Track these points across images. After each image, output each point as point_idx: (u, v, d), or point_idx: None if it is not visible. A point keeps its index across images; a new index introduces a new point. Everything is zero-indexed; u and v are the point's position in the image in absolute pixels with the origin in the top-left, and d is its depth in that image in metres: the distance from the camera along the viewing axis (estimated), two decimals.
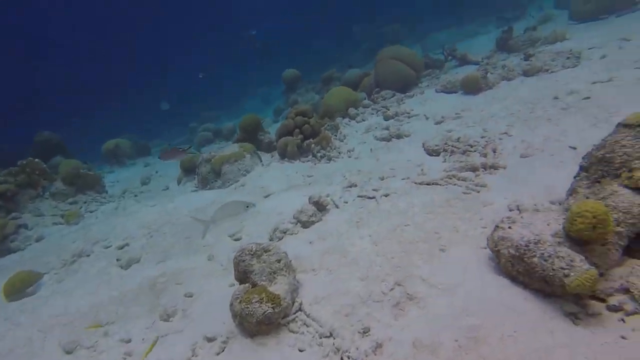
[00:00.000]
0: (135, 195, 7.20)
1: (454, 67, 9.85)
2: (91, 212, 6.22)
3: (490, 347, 1.98)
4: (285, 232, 3.52)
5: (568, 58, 6.50)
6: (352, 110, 7.50)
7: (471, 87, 6.85)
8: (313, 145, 6.11)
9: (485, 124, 5.25)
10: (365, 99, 8.34)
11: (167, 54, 34.73)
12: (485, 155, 4.42)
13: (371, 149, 5.91)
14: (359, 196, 4.07)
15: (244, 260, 2.68)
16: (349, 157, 5.98)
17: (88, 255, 4.38)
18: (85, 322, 3.08)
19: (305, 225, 3.58)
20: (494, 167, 4.04)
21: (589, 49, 6.67)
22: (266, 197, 4.71)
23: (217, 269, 3.44)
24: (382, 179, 4.58)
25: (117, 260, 4.00)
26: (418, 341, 2.14)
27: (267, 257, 2.68)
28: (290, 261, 2.76)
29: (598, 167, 2.38)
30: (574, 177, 2.59)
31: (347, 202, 4.01)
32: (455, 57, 10.02)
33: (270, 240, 3.53)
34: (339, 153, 6.16)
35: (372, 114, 7.53)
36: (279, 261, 2.69)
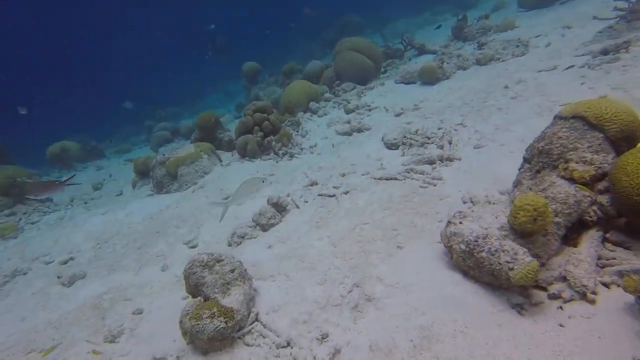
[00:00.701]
0: (86, 203, 6.72)
1: (414, 57, 9.97)
2: (32, 223, 5.73)
3: (442, 345, 2.00)
4: (243, 237, 3.40)
5: (517, 46, 6.74)
6: (313, 105, 7.39)
7: (429, 78, 6.95)
8: (274, 142, 5.95)
9: (442, 115, 5.35)
10: (327, 92, 8.25)
11: (112, 46, 32.46)
12: (442, 147, 4.50)
13: (333, 144, 5.85)
14: (319, 195, 4.00)
15: (194, 273, 2.54)
16: (312, 153, 5.90)
17: (25, 274, 4.01)
18: (16, 353, 2.80)
19: (265, 228, 3.47)
20: (450, 159, 4.11)
21: (536, 37, 6.96)
22: (226, 199, 4.53)
23: (171, 280, 3.26)
24: (343, 175, 4.55)
25: (59, 277, 3.69)
26: (375, 344, 2.12)
27: (219, 267, 2.56)
28: (246, 270, 2.65)
29: (539, 159, 2.45)
30: (519, 169, 2.66)
31: (307, 202, 3.93)
32: (414, 47, 10.13)
33: (229, 245, 3.39)
34: (301, 149, 6.06)
35: (334, 107, 7.47)
36: (232, 271, 2.57)
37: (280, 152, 5.92)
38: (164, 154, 5.45)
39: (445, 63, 7.27)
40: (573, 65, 4.94)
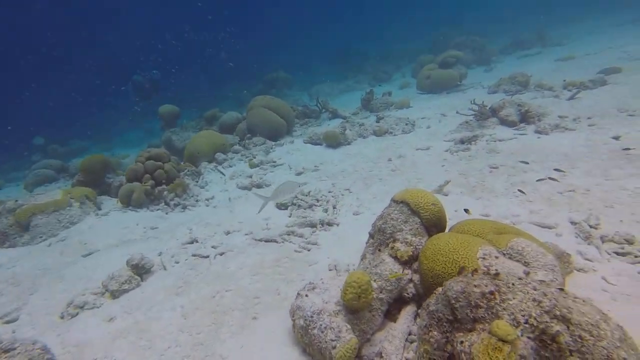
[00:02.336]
0: None
1: (328, 119, 10.82)
2: None
3: None
4: (82, 307, 2.98)
5: (406, 124, 7.78)
6: (220, 156, 7.35)
7: (332, 141, 7.52)
8: (166, 192, 5.66)
9: (336, 179, 5.74)
10: (237, 143, 8.34)
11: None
12: (327, 211, 4.76)
13: (230, 198, 5.79)
14: (193, 255, 3.82)
15: None
16: (207, 205, 5.73)
17: None
18: None
19: (116, 294, 3.11)
20: (330, 224, 4.35)
21: (422, 118, 8.15)
22: (86, 255, 4.03)
23: None
24: (228, 233, 4.46)
25: None
26: None
27: None
28: (52, 357, 2.28)
29: (378, 236, 2.73)
30: (366, 243, 2.91)
31: (178, 262, 3.71)
32: (328, 110, 11.03)
33: (61, 318, 2.93)
34: (197, 201, 5.85)
35: (241, 160, 7.53)
36: None
37: (172, 202, 5.63)
38: (16, 200, 4.70)
39: (347, 130, 8.00)
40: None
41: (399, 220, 2.61)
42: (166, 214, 5.48)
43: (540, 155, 4.54)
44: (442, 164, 5.19)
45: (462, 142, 5.74)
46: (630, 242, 2.57)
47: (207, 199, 5.88)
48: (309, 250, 3.80)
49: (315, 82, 20.85)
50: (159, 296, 3.06)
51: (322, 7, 37.66)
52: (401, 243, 2.52)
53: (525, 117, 5.95)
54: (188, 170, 6.46)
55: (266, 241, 4.10)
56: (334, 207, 4.79)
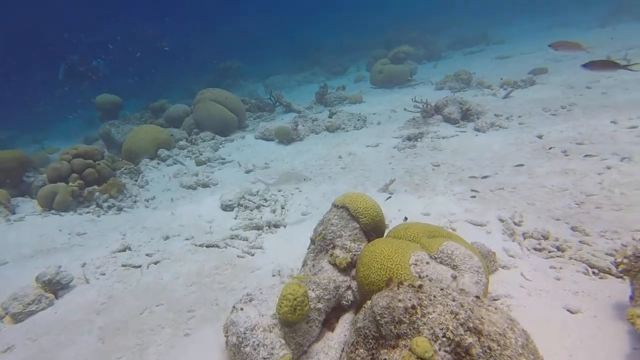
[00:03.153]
0: None
1: (282, 113, 10.59)
2: None
3: None
4: None
5: (358, 120, 7.82)
6: (163, 152, 6.87)
7: (283, 137, 7.35)
8: (98, 193, 5.16)
9: (261, 178, 5.60)
10: (185, 139, 7.86)
11: None
12: (275, 212, 4.63)
13: (172, 199, 5.43)
14: (123, 265, 3.50)
15: None
16: (147, 206, 5.32)
17: None
18: None
19: (19, 317, 2.72)
20: (277, 226, 4.23)
21: (373, 114, 8.25)
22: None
23: None
24: (167, 238, 4.17)
25: None
26: None
27: None
28: None
29: (319, 242, 2.66)
30: (307, 248, 2.84)
31: (104, 274, 3.37)
32: (282, 104, 10.79)
33: None
34: (135, 202, 5.42)
35: (188, 156, 7.10)
36: None
37: (106, 204, 5.15)
38: None
39: (300, 125, 7.86)
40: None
41: (339, 226, 2.56)
42: (98, 217, 5.00)
43: (476, 153, 4.77)
44: (389, 161, 5.27)
45: (409, 139, 5.88)
46: (545, 238, 2.78)
47: (147, 200, 5.47)
48: (252, 255, 3.65)
49: (271, 73, 20.36)
50: (75, 316, 2.75)
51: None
52: (340, 249, 2.47)
53: (466, 115, 6.23)
54: (125, 169, 5.95)
55: (207, 246, 3.88)
56: (283, 208, 4.66)
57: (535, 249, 2.70)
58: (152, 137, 6.71)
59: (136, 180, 5.99)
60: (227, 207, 4.76)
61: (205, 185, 5.75)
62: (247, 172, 6.13)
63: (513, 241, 2.87)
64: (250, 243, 3.88)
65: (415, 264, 2.02)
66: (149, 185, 5.99)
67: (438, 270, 2.01)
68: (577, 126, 4.85)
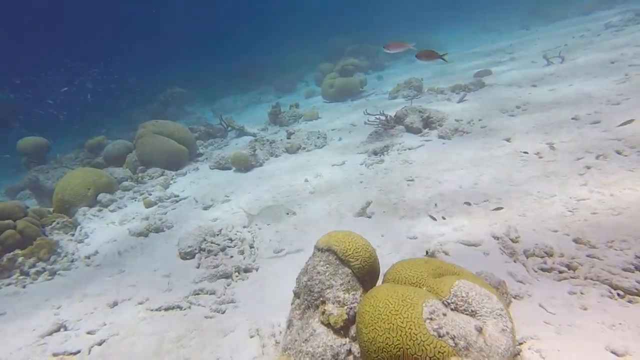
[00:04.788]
0: None
1: (235, 137, 10.02)
2: None
3: None
4: None
5: (318, 138, 7.51)
6: (104, 197, 6.00)
7: (241, 165, 6.82)
8: (22, 258, 4.26)
9: (251, 210, 5.08)
10: (129, 178, 7.02)
11: None
12: (243, 253, 4.08)
13: (119, 252, 4.66)
14: (54, 354, 2.76)
15: None
16: (88, 265, 4.50)
17: None
18: None
19: None
20: (247, 270, 3.69)
21: (332, 130, 8.01)
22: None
23: None
24: (114, 305, 3.46)
25: None
26: None
27: None
28: None
29: (304, 296, 2.22)
30: (291, 304, 2.38)
31: None
32: (234, 128, 10.23)
33: None
34: (72, 262, 4.56)
35: (134, 198, 6.29)
36: None
37: (34, 270, 4.26)
38: None
39: (258, 149, 7.39)
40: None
41: (327, 274, 2.14)
42: (23, 287, 4.10)
43: (449, 163, 4.64)
44: (360, 180, 4.97)
45: (375, 153, 5.66)
46: (549, 255, 2.57)
47: (87, 257, 4.64)
48: (223, 313, 3.09)
49: (217, 97, 19.63)
50: None
51: (213, 22, 36.31)
52: (333, 304, 2.05)
53: (428, 123, 6.19)
54: (58, 223, 5.06)
55: (167, 309, 3.25)
56: (251, 247, 4.14)
57: (542, 270, 2.47)
58: (89, 181, 5.84)
59: (73, 235, 5.11)
60: (186, 255, 4.13)
61: (158, 230, 5.04)
62: (205, 208, 5.51)
63: (515, 262, 2.63)
64: (219, 297, 3.32)
65: (431, 319, 1.65)
66: (89, 238, 5.13)
67: (458, 322, 1.66)
68: (541, 126, 4.93)
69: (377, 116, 6.52)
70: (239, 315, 3.02)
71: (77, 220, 5.46)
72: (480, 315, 1.76)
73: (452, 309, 1.78)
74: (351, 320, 2.02)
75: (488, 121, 5.77)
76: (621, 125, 4.32)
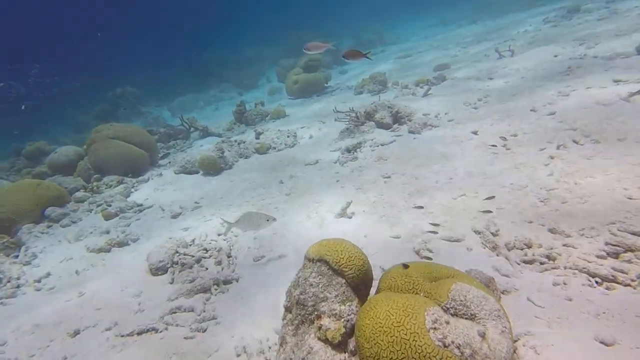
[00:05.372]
0: None
1: (199, 138, 9.56)
2: None
3: None
4: None
5: (288, 137, 7.35)
6: (53, 211, 5.43)
7: (210, 168, 6.49)
8: None
9: (224, 215, 4.83)
10: (83, 188, 6.42)
11: None
12: (220, 263, 3.86)
13: (77, 271, 4.23)
14: None
15: None
16: (38, 290, 4.04)
17: None
18: None
19: None
20: (227, 282, 3.49)
21: (301, 128, 7.86)
22: None
23: None
24: (76, 333, 3.12)
25: None
26: None
27: None
28: None
29: (297, 310, 2.10)
30: (282, 319, 2.25)
31: None
32: (197, 129, 9.75)
33: None
34: (18, 287, 4.07)
35: (90, 211, 5.77)
36: None
37: None
38: None
39: (226, 151, 7.08)
40: None
41: (320, 286, 2.04)
42: None
43: (422, 158, 4.70)
44: (336, 179, 4.90)
45: (348, 150, 5.62)
46: (529, 246, 2.66)
47: (37, 280, 4.16)
48: (204, 332, 2.89)
49: (175, 96, 18.64)
50: None
51: (165, 16, 34.36)
52: (329, 317, 1.95)
53: (397, 118, 6.25)
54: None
55: (140, 333, 2.98)
56: (229, 256, 3.93)
57: (525, 262, 2.55)
58: (32, 194, 5.24)
59: (16, 257, 4.57)
60: (158, 270, 3.83)
61: (122, 244, 4.65)
62: (174, 216, 5.17)
63: (498, 255, 2.69)
64: (199, 315, 3.10)
65: (435, 328, 1.61)
66: (38, 259, 4.61)
67: (461, 329, 1.64)
68: (504, 118, 5.14)
69: (347, 112, 6.48)
70: (223, 332, 2.84)
71: (20, 239, 4.89)
72: (480, 318, 1.75)
73: (452, 314, 1.76)
74: (349, 333, 1.94)
75: (454, 114, 5.94)
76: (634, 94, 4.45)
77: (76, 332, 3.12)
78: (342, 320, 1.95)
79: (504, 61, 8.52)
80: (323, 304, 2.01)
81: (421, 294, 1.85)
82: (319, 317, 1.98)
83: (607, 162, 3.52)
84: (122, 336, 2.96)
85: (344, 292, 2.03)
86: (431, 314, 1.67)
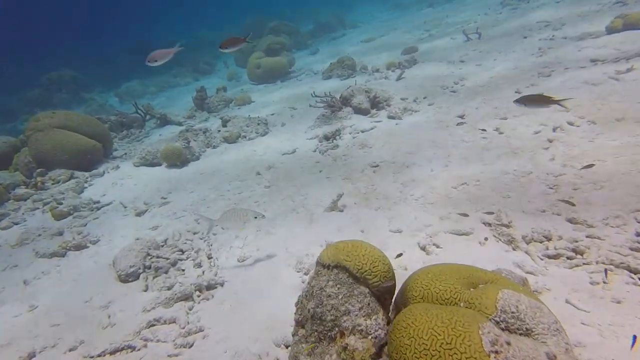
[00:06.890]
0: None
1: (157, 127, 8.73)
2: None
3: None
4: None
5: (259, 124, 6.87)
6: None
7: (175, 159, 5.91)
8: None
9: (199, 212, 4.39)
10: (23, 184, 5.55)
11: None
12: (200, 265, 3.48)
13: (25, 281, 3.63)
14: None
15: None
16: None
17: None
18: None
19: None
20: (211, 287, 3.14)
21: (271, 114, 7.43)
22: None
23: None
24: (30, 357, 2.64)
25: None
26: None
27: None
28: None
29: (313, 326, 1.85)
30: (292, 335, 2.00)
31: None
32: (154, 116, 8.88)
33: None
34: None
35: (37, 209, 5.01)
36: None
37: None
38: None
39: (192, 141, 6.49)
40: None
41: (340, 297, 1.80)
42: None
43: (411, 145, 4.56)
44: (318, 169, 4.64)
45: (326, 138, 5.35)
46: (548, 239, 2.53)
47: None
48: (191, 347, 2.56)
49: (122, 80, 16.91)
50: None
51: None
52: (354, 335, 1.73)
53: (375, 103, 6.08)
54: None
55: (113, 352, 2.58)
56: (210, 257, 3.56)
57: (548, 257, 2.40)
58: None
59: None
60: (128, 277, 3.37)
61: (79, 247, 4.08)
62: (139, 214, 4.63)
63: (515, 250, 2.56)
64: (182, 327, 2.75)
65: (496, 352, 1.40)
66: None
67: (526, 351, 1.44)
68: (487, 100, 5.12)
69: (325, 97, 6.18)
70: (213, 346, 2.52)
71: None
72: (537, 334, 1.57)
73: (502, 329, 1.58)
74: (378, 352, 1.73)
75: (433, 98, 5.88)
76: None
77: (31, 355, 2.65)
78: (370, 337, 1.73)
79: (472, 44, 8.62)
80: (345, 318, 1.78)
81: (461, 304, 1.66)
82: (342, 334, 1.75)
83: (611, 143, 3.44)
84: (92, 357, 2.53)
85: (368, 304, 1.81)
86: (487, 332, 1.46)
